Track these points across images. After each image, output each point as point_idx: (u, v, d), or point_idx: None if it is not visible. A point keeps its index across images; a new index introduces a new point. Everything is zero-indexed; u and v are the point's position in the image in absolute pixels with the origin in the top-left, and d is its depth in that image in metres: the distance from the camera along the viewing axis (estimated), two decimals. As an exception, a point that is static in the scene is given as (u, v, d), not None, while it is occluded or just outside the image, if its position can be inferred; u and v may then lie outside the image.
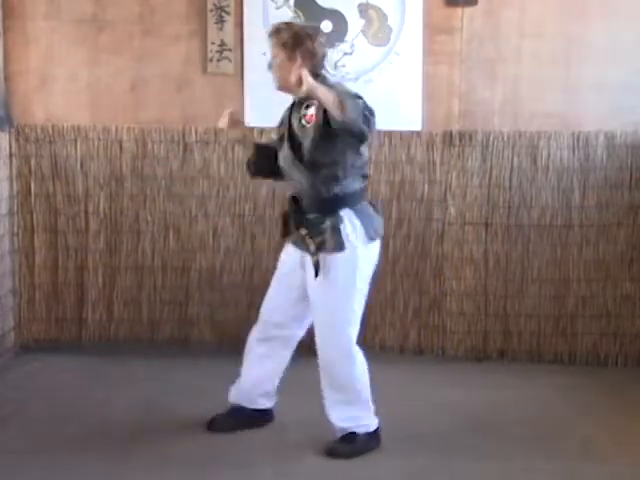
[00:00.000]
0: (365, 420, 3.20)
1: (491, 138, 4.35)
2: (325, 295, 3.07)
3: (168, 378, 4.04)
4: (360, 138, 2.87)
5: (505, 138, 4.35)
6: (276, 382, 3.37)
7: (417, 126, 4.38)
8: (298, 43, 3.04)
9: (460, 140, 4.35)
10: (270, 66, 3.14)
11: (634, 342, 4.39)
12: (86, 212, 4.44)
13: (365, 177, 3.14)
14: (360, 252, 3.06)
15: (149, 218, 4.44)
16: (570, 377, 4.16)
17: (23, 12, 4.34)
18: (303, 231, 3.09)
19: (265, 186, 4.40)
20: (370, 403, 3.19)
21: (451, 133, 4.35)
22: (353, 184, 3.07)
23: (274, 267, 3.31)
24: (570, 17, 4.31)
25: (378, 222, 3.16)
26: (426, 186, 4.39)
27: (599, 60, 4.31)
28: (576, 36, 4.32)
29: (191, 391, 3.84)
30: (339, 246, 3.02)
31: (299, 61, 3.03)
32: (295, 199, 3.15)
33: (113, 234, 4.46)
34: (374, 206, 3.20)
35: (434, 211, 4.41)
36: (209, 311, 4.48)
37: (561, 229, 4.38)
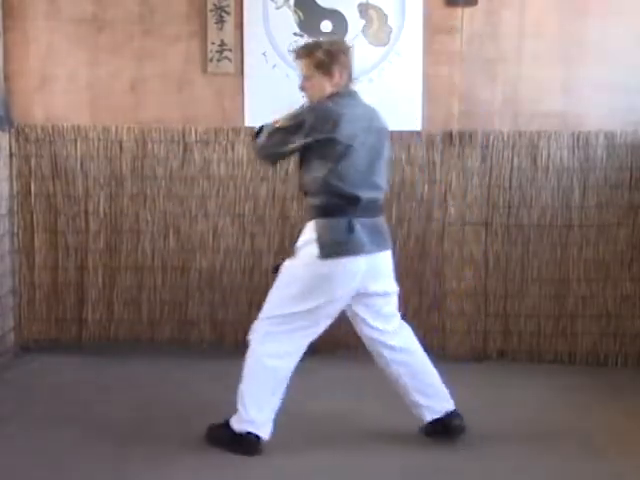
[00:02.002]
0: (235, 417, 3.16)
1: (491, 138, 4.35)
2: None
3: (168, 378, 4.04)
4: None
5: (505, 138, 4.35)
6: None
7: (417, 126, 4.38)
8: (334, 60, 3.12)
9: (460, 140, 4.35)
10: (302, 87, 3.19)
11: (634, 342, 4.39)
12: (86, 212, 4.45)
13: (338, 194, 3.04)
14: (310, 258, 3.05)
15: (149, 218, 4.44)
16: (570, 377, 4.16)
17: (23, 12, 4.35)
18: None
19: (265, 186, 4.41)
20: (245, 406, 3.11)
21: (451, 133, 4.35)
22: (324, 198, 3.07)
23: (274, 267, 3.32)
24: (570, 17, 4.32)
25: (338, 243, 3.02)
26: (426, 186, 4.40)
27: (599, 60, 4.31)
28: (576, 36, 4.32)
29: (191, 391, 3.84)
30: (293, 248, 3.14)
31: (337, 77, 3.12)
32: None
33: (113, 234, 4.46)
34: (365, 225, 3.08)
35: (434, 211, 4.41)
36: (209, 311, 4.48)
37: (561, 229, 4.38)
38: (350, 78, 3.17)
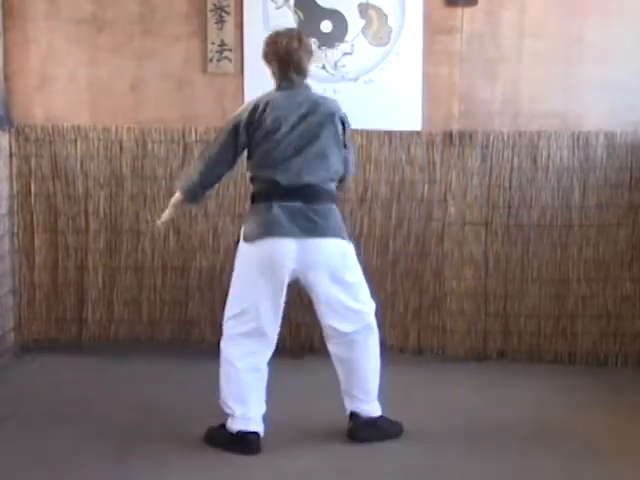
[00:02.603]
0: (228, 420, 3.19)
1: (491, 138, 4.35)
2: None
3: (168, 378, 4.04)
4: None
5: (505, 138, 4.35)
6: None
7: (417, 126, 4.38)
8: (267, 51, 3.22)
9: (460, 140, 4.35)
10: None
11: (634, 342, 4.39)
12: (86, 212, 4.44)
13: (262, 180, 3.17)
14: (240, 247, 3.19)
15: (149, 218, 4.43)
16: (570, 377, 4.16)
17: (23, 12, 4.35)
18: None
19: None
20: (231, 408, 3.17)
21: (451, 133, 4.35)
22: (254, 186, 3.24)
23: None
24: (570, 17, 4.32)
25: (257, 225, 3.11)
26: (426, 186, 4.40)
27: (599, 60, 4.31)
28: (576, 36, 4.32)
29: (191, 391, 3.84)
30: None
31: (272, 67, 3.21)
32: None
33: (113, 234, 4.46)
34: (287, 209, 3.11)
35: (434, 211, 4.41)
36: (209, 311, 4.48)
37: (561, 229, 4.38)
38: (286, 68, 3.18)
